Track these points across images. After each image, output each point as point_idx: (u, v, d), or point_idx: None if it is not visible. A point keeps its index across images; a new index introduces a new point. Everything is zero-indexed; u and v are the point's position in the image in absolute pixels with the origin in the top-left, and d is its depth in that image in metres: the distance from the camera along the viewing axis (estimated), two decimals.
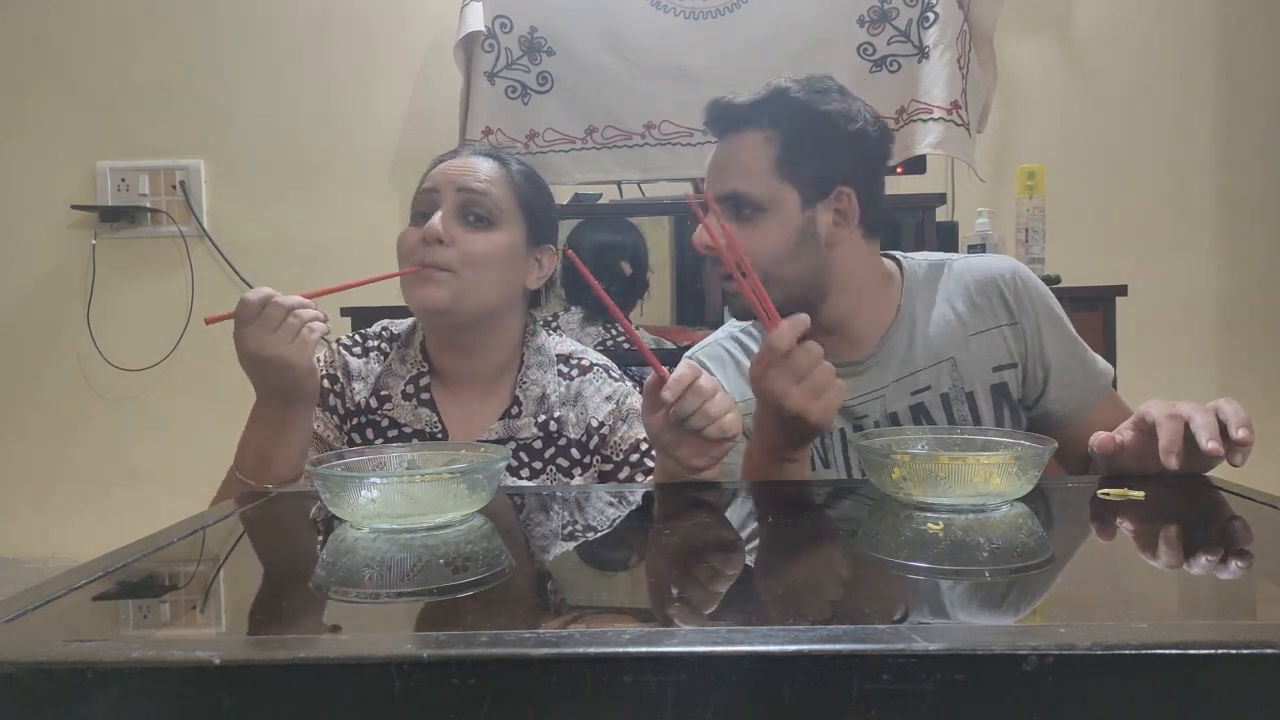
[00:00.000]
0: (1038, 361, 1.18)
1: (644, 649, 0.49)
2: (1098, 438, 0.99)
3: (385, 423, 1.17)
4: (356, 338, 1.24)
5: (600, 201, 2.02)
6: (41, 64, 2.47)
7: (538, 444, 1.16)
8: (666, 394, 0.90)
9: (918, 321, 1.19)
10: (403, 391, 1.18)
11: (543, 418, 1.17)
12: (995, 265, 1.21)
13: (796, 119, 1.12)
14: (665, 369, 0.93)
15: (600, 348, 1.78)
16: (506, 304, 1.18)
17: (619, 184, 2.04)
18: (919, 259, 1.24)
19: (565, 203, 1.99)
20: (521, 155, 1.95)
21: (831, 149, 1.12)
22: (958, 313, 1.19)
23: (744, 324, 1.26)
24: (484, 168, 1.16)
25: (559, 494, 0.98)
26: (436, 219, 1.11)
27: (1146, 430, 0.95)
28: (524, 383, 1.18)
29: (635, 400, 1.19)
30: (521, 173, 1.20)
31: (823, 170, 1.12)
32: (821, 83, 1.15)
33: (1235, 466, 0.92)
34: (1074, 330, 1.21)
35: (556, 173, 1.98)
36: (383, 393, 1.18)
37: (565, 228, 1.89)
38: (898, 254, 1.25)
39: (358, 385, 1.19)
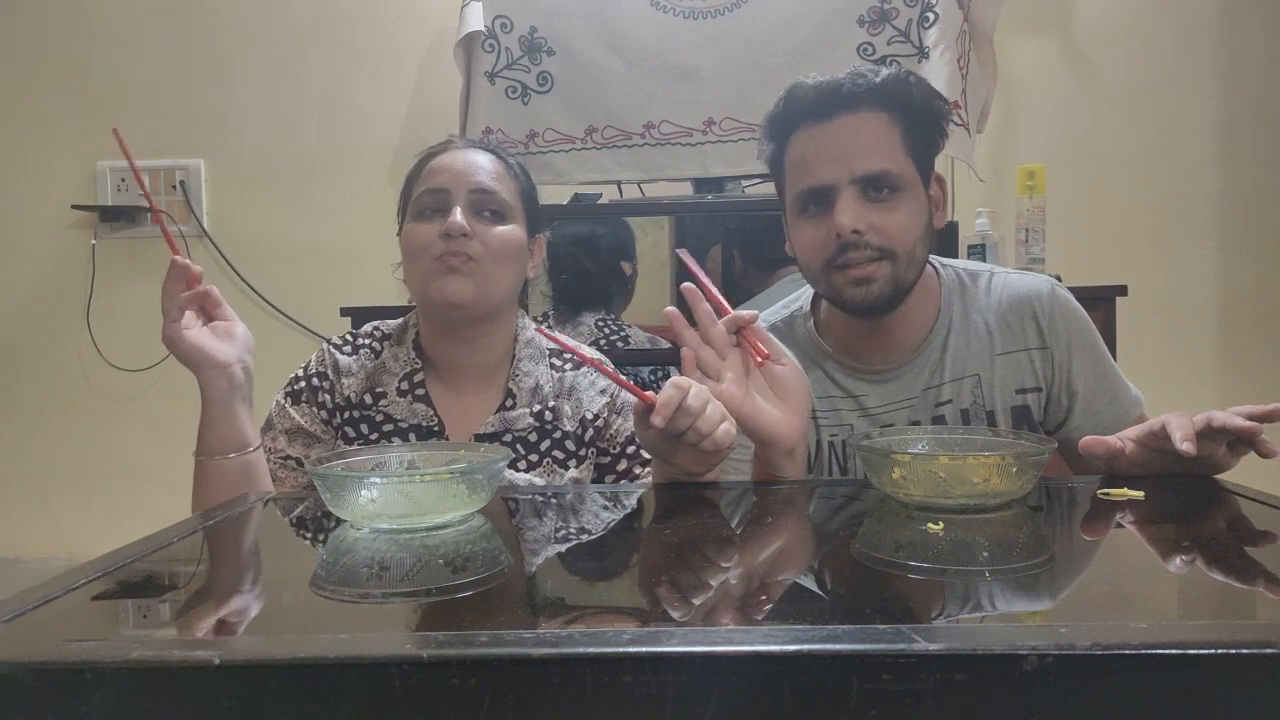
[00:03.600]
0: (1064, 389, 1.16)
1: (644, 649, 0.49)
2: (1086, 440, 0.98)
3: (380, 418, 1.17)
4: (347, 337, 1.24)
5: (600, 201, 2.02)
6: (41, 64, 2.47)
7: (533, 436, 1.17)
8: (657, 420, 0.89)
9: (950, 333, 1.17)
10: (397, 388, 1.18)
11: (538, 407, 1.18)
12: (1033, 286, 1.18)
13: (911, 103, 1.11)
14: (650, 394, 0.92)
15: (594, 344, 1.78)
16: (513, 295, 1.20)
17: (619, 184, 2.04)
18: (957, 268, 1.21)
19: (565, 203, 1.99)
20: (521, 155, 1.96)
21: (934, 136, 1.14)
22: (989, 329, 1.16)
23: (783, 315, 1.24)
24: (489, 164, 1.18)
25: (559, 495, 0.98)
26: (457, 214, 1.12)
27: (1154, 444, 0.94)
28: (517, 375, 1.19)
29: (629, 393, 1.19)
30: (519, 165, 1.22)
31: (929, 155, 1.14)
32: (905, 73, 1.15)
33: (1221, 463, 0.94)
34: (1109, 359, 1.18)
35: (556, 173, 1.98)
36: (377, 389, 1.18)
37: (564, 227, 1.89)
38: (934, 260, 1.22)
39: (348, 380, 1.19)
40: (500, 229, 1.15)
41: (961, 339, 1.17)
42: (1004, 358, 1.16)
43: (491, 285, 1.15)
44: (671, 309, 1.01)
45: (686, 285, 1.03)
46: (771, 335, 1.04)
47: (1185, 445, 0.89)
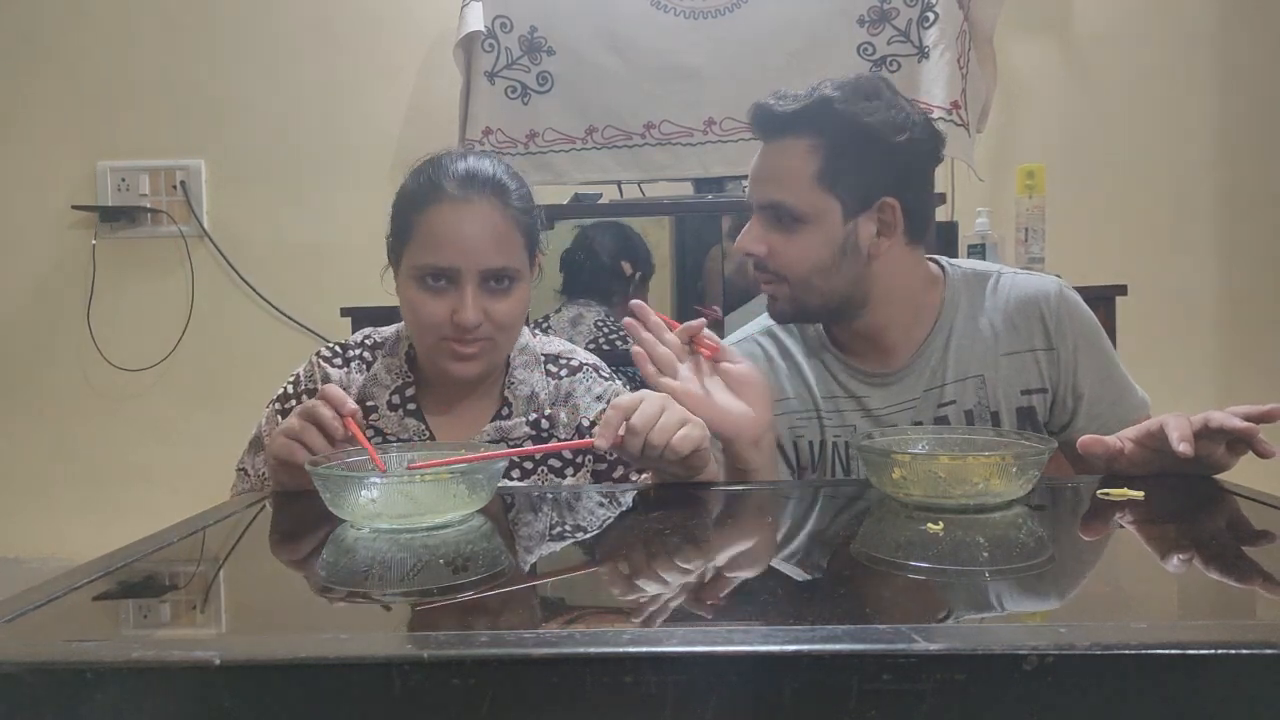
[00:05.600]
0: (1070, 390, 1.15)
1: (644, 649, 0.49)
2: (1085, 440, 0.98)
3: (370, 433, 1.15)
4: (336, 348, 1.22)
5: (600, 201, 2.02)
6: (41, 64, 2.46)
7: (529, 444, 1.16)
8: (600, 443, 0.89)
9: (953, 333, 1.16)
10: (388, 402, 1.17)
11: (534, 416, 1.17)
12: (1040, 286, 1.17)
13: (840, 130, 1.08)
14: (584, 439, 0.92)
15: (592, 347, 1.78)
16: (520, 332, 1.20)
17: (619, 184, 2.04)
18: (964, 267, 1.21)
19: (565, 203, 1.99)
20: (521, 155, 1.96)
21: (876, 161, 1.09)
22: (994, 329, 1.16)
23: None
24: (496, 225, 1.10)
25: (559, 495, 0.98)
26: (469, 306, 1.08)
27: (1153, 445, 0.94)
28: (512, 383, 1.18)
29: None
30: (520, 206, 1.14)
31: (866, 182, 1.10)
32: (869, 86, 1.11)
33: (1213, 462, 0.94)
34: (1116, 360, 1.17)
35: (556, 173, 1.98)
36: (368, 403, 1.16)
37: (565, 227, 1.89)
38: (942, 260, 1.22)
39: None
40: (509, 300, 1.12)
41: (965, 339, 1.16)
42: (1009, 358, 1.16)
43: (500, 353, 1.15)
44: (637, 301, 1.08)
45: (635, 303, 1.08)
46: (723, 342, 1.10)
47: (1183, 446, 0.89)
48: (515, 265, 1.12)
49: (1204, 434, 0.91)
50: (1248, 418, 0.90)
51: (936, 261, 1.21)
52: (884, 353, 1.17)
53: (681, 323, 1.08)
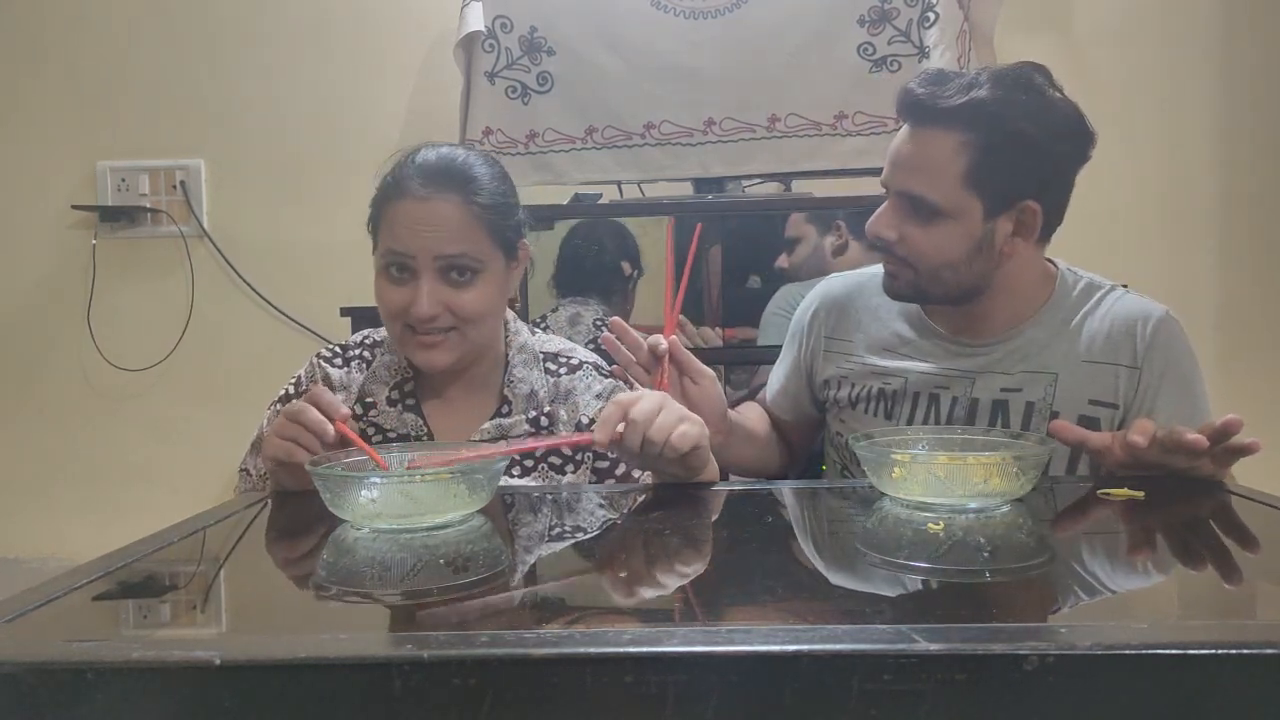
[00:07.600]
0: (1142, 414, 1.12)
1: (644, 649, 0.49)
2: (1058, 424, 1.02)
3: (371, 430, 1.16)
4: (336, 349, 1.23)
5: (600, 201, 2.02)
6: (41, 64, 2.46)
7: (529, 440, 1.16)
8: (599, 437, 0.89)
9: (1043, 330, 1.17)
10: (388, 397, 1.17)
11: (533, 414, 1.17)
12: (1144, 309, 1.17)
13: (994, 131, 1.07)
14: (583, 435, 0.93)
15: (591, 346, 1.78)
16: (496, 326, 1.18)
17: (619, 184, 2.04)
18: (1081, 276, 1.21)
19: (565, 203, 1.99)
20: (521, 155, 1.96)
21: (1025, 164, 1.09)
22: (1087, 338, 1.15)
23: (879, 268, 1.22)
24: (454, 216, 1.09)
25: (559, 495, 0.98)
26: (424, 297, 1.07)
27: (1129, 451, 0.95)
28: (511, 381, 1.18)
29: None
30: (485, 203, 1.11)
31: (1012, 184, 1.09)
32: (1023, 78, 1.09)
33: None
34: (1205, 405, 1.14)
35: (556, 173, 1.98)
36: (367, 400, 1.17)
37: (565, 226, 1.89)
38: (1061, 263, 1.22)
39: (340, 395, 1.17)
40: (472, 291, 1.10)
41: (1054, 338, 1.16)
42: (1090, 365, 1.14)
43: (469, 344, 1.13)
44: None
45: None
46: (695, 359, 1.14)
47: (1136, 437, 0.93)
48: (476, 254, 1.10)
49: (1171, 446, 0.92)
50: (1210, 436, 0.91)
51: (1052, 262, 1.22)
52: (975, 330, 1.19)
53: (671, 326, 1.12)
